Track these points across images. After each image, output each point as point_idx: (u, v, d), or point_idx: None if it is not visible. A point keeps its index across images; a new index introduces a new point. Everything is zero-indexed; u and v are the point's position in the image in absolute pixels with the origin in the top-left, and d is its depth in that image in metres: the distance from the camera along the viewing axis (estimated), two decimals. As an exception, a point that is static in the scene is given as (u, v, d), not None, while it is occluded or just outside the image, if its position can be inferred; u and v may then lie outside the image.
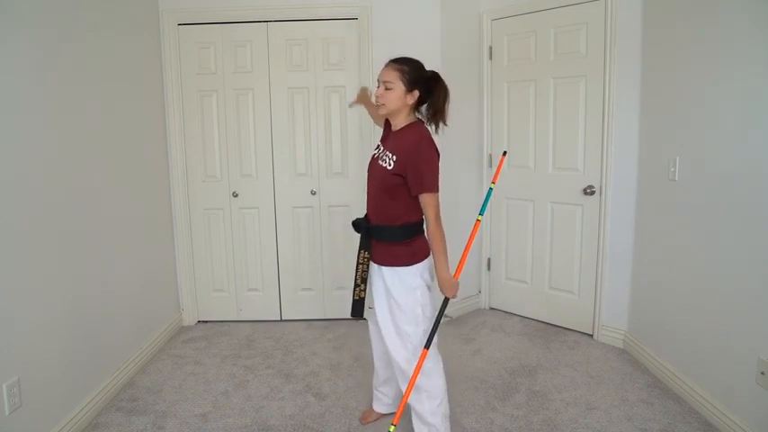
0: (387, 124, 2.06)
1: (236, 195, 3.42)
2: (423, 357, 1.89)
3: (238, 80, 3.32)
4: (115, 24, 2.69)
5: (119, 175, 2.70)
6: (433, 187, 1.82)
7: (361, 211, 2.13)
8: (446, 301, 1.94)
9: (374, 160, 1.98)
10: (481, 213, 2.08)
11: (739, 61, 2.07)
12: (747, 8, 2.04)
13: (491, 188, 2.11)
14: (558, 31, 3.12)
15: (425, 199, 1.83)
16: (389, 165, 1.85)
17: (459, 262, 2.00)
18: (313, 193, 3.41)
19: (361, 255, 1.91)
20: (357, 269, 1.96)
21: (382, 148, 1.97)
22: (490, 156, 3.54)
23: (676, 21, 2.47)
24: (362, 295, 1.94)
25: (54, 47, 2.19)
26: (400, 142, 1.88)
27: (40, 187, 2.08)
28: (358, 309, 1.95)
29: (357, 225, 2.02)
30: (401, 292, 1.91)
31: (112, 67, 2.65)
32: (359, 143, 3.34)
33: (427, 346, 1.90)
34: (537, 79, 3.26)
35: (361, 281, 1.92)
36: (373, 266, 2.02)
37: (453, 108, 3.30)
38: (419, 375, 1.93)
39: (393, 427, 1.91)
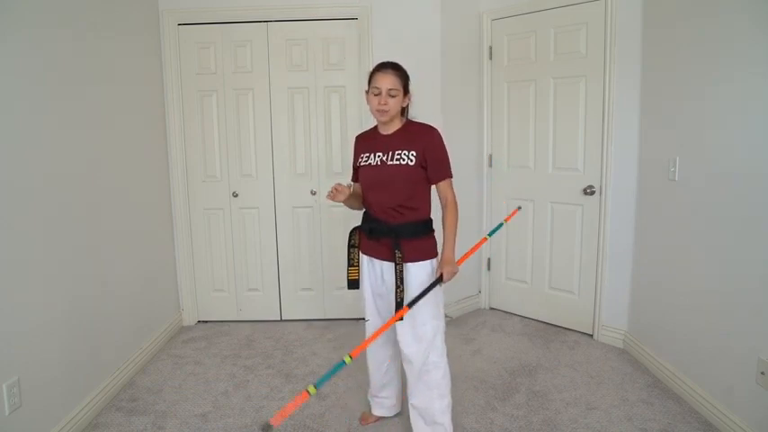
0: (361, 142, 2.09)
1: (236, 195, 3.42)
2: (396, 317, 1.87)
3: (238, 80, 3.32)
4: (115, 24, 2.69)
5: (119, 174, 2.70)
6: (451, 173, 1.99)
7: (360, 212, 2.13)
8: (438, 280, 1.91)
9: (379, 165, 1.95)
10: (489, 235, 2.22)
11: (739, 61, 2.07)
12: (747, 8, 2.04)
13: (502, 224, 2.34)
14: (558, 31, 3.12)
15: (447, 183, 1.97)
16: (411, 161, 1.91)
17: (464, 255, 2.04)
18: (313, 193, 3.41)
19: (397, 256, 1.90)
20: (395, 271, 1.92)
21: (384, 152, 1.96)
22: (490, 156, 3.54)
23: (676, 21, 2.47)
24: (403, 296, 1.93)
25: (54, 47, 2.19)
26: (413, 138, 1.94)
27: (40, 187, 2.08)
28: (399, 309, 1.93)
29: (372, 230, 1.99)
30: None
31: (112, 67, 2.65)
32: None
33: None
34: (537, 79, 3.26)
35: (401, 282, 1.91)
36: (377, 269, 2.03)
37: (453, 108, 3.33)
38: (434, 372, 1.97)
39: (349, 358, 1.70)
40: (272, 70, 3.31)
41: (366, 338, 2.18)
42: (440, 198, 1.99)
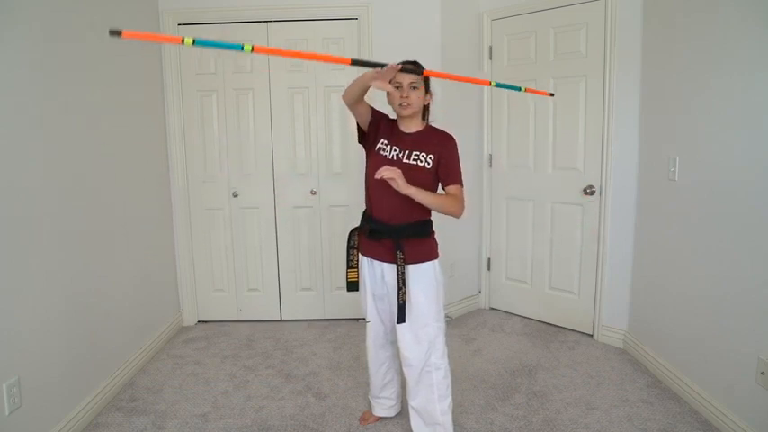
0: (386, 122, 2.02)
1: (236, 195, 3.42)
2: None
3: (238, 80, 3.32)
4: (115, 24, 2.67)
5: (119, 175, 2.70)
6: (462, 181, 1.94)
7: (360, 211, 2.13)
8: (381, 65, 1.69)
9: (395, 161, 1.93)
10: (498, 85, 2.05)
11: (739, 60, 2.07)
12: (748, 8, 2.04)
13: (519, 88, 2.00)
14: (558, 31, 3.13)
15: (457, 188, 1.91)
16: (428, 164, 1.91)
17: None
18: (313, 193, 3.41)
19: (398, 257, 1.89)
20: (397, 272, 1.90)
21: (401, 149, 1.93)
22: (490, 156, 3.54)
23: (676, 20, 2.47)
24: (405, 298, 1.91)
25: (53, 47, 2.19)
26: (432, 142, 1.94)
27: (40, 187, 2.08)
28: (403, 313, 1.92)
29: (373, 231, 1.97)
30: (433, 287, 1.96)
31: (112, 67, 2.65)
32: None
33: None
34: (537, 79, 3.25)
35: (403, 283, 1.89)
36: (378, 270, 2.02)
37: (453, 108, 3.33)
38: (435, 373, 1.96)
39: (249, 47, 1.48)
40: (272, 70, 3.31)
41: (367, 339, 2.19)
42: None
